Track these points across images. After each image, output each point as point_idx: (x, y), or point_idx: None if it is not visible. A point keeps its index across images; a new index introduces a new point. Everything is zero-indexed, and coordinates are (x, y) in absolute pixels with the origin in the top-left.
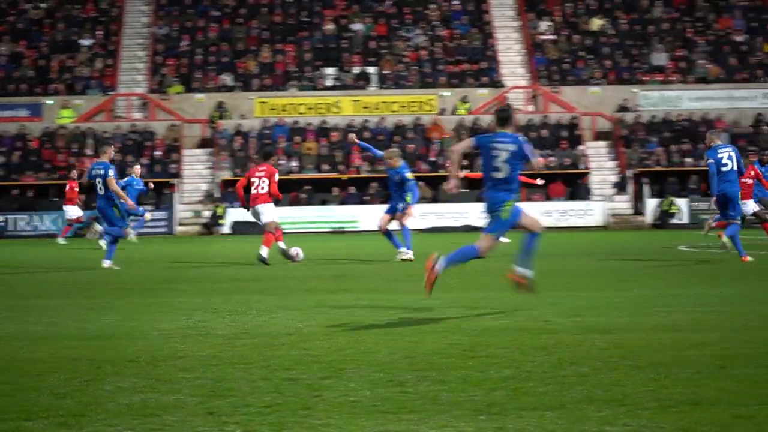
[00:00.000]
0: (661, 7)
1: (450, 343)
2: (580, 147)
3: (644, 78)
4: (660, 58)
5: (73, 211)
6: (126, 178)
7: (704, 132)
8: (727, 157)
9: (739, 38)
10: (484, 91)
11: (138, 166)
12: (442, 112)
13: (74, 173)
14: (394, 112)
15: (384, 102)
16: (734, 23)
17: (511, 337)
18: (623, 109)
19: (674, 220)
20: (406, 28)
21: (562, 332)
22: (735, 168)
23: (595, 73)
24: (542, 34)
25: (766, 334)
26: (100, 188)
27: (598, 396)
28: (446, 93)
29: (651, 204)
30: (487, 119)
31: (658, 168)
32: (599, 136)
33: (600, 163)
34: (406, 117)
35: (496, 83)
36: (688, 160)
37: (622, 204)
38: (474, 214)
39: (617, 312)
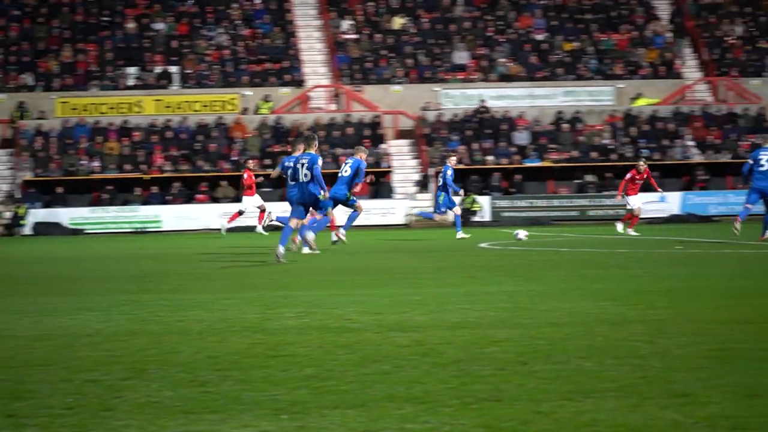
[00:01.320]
0: (463, 5)
1: (252, 342)
2: (383, 146)
3: (446, 76)
4: (461, 56)
5: (255, 201)
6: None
7: (506, 130)
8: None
9: (539, 37)
10: (286, 90)
11: (454, 158)
12: (244, 111)
13: (251, 163)
14: (196, 111)
15: (186, 101)
16: (535, 22)
17: (313, 335)
18: (425, 107)
19: (476, 218)
20: (209, 27)
21: (364, 330)
22: None
23: (397, 71)
24: (344, 33)
25: (568, 330)
26: (306, 174)
27: (399, 394)
28: (248, 92)
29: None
30: (290, 118)
31: (461, 166)
32: (401, 134)
33: (402, 162)
34: (208, 116)
35: (298, 82)
36: (490, 158)
37: (425, 202)
38: (276, 212)
39: (419, 309)
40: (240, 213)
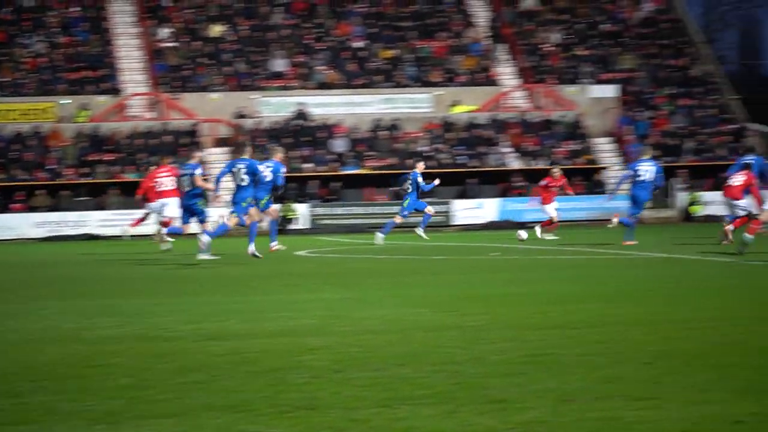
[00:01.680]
0: (282, 13)
1: (68, 352)
2: (199, 154)
3: (264, 84)
4: (280, 64)
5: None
6: (408, 174)
7: (324, 137)
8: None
9: (358, 44)
10: (104, 98)
11: (422, 163)
12: (61, 119)
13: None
14: (12, 120)
15: (2, 110)
16: (353, 29)
17: (129, 345)
18: (243, 115)
19: (293, 226)
20: (25, 35)
21: (180, 339)
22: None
23: (215, 79)
24: (163, 40)
25: (385, 338)
26: (242, 179)
27: (216, 403)
28: (66, 100)
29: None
30: (110, 126)
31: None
32: (220, 142)
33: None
34: (24, 125)
35: (116, 90)
36: (308, 165)
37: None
38: (94, 222)
39: (236, 318)
40: (170, 219)
